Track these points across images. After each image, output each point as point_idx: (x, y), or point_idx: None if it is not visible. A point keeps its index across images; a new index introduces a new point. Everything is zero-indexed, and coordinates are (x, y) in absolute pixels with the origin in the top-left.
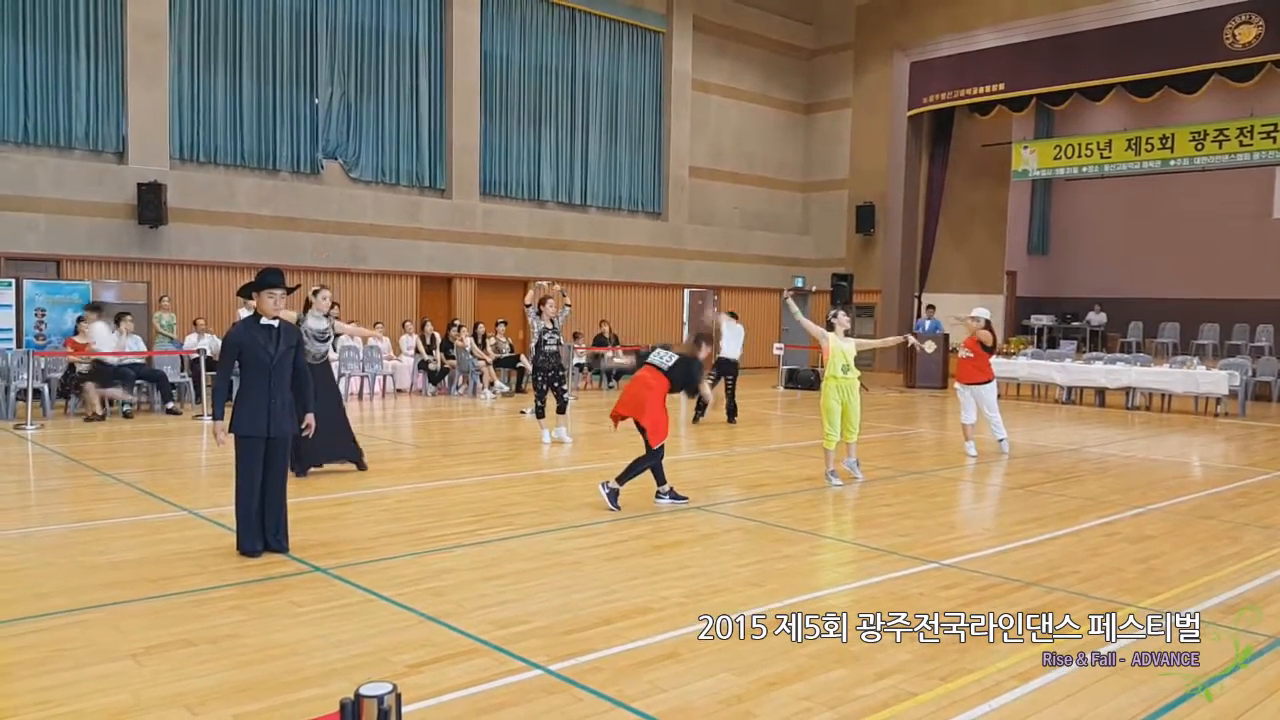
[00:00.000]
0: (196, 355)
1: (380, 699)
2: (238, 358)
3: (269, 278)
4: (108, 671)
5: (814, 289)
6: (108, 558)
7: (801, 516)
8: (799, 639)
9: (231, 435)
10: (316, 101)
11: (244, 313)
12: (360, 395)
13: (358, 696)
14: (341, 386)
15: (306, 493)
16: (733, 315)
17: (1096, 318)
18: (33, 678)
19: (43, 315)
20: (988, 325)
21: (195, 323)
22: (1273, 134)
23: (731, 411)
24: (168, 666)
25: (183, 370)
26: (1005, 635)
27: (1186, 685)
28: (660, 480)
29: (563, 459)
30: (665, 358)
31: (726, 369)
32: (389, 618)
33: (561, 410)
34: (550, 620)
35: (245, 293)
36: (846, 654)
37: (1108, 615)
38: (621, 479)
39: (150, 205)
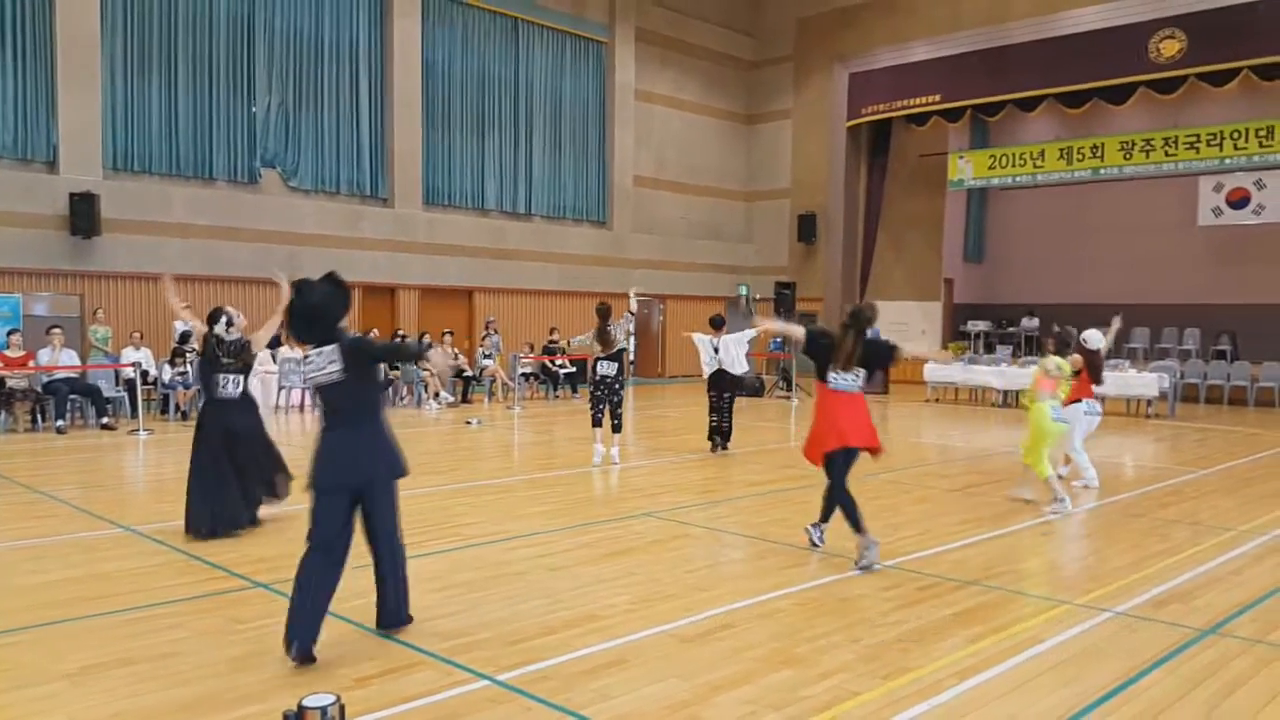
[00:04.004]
0: (132, 369)
1: (324, 710)
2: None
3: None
4: (41, 694)
5: (757, 296)
6: (41, 578)
7: (748, 521)
8: (745, 643)
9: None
10: (254, 109)
11: (180, 325)
12: (302, 407)
13: (301, 708)
14: (282, 399)
15: None
16: (714, 323)
17: (1030, 323)
18: None
19: None
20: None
21: (133, 336)
22: (1195, 145)
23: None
24: (105, 687)
25: (117, 385)
26: (945, 634)
27: (1117, 680)
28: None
29: (512, 470)
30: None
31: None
32: (333, 632)
33: (617, 430)
34: (497, 631)
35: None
36: (791, 656)
37: (1043, 612)
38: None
39: (83, 216)
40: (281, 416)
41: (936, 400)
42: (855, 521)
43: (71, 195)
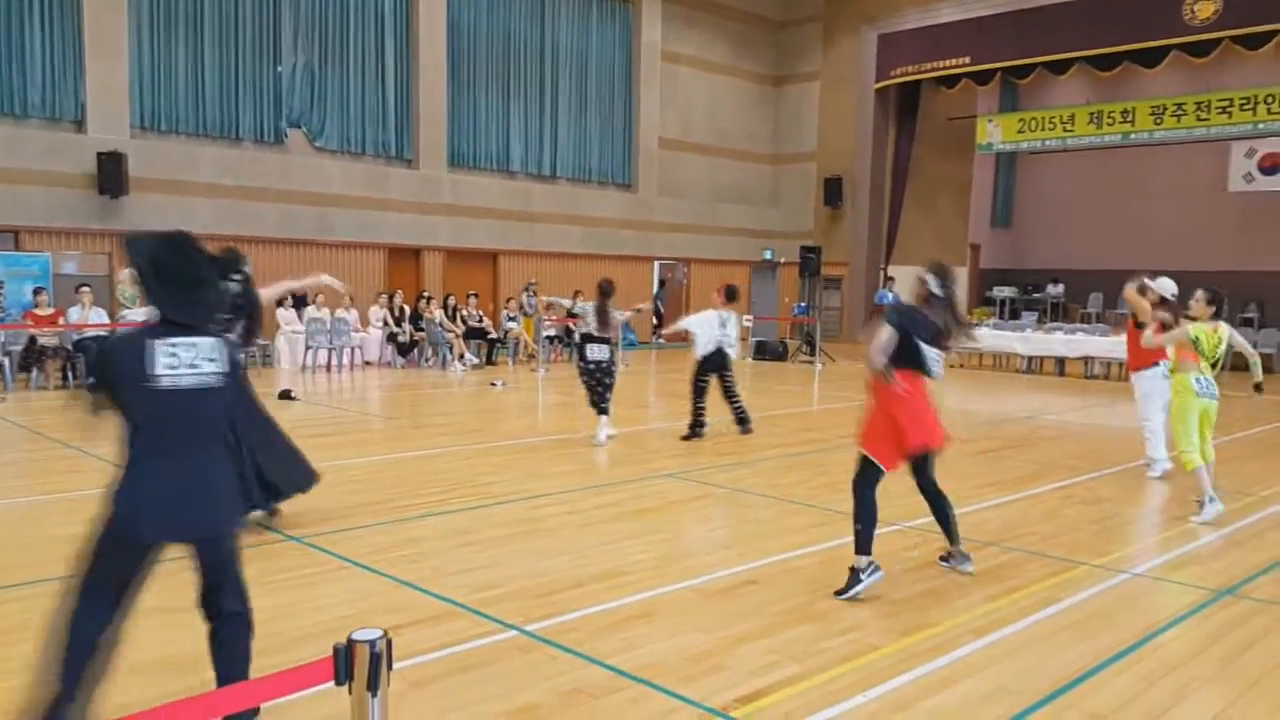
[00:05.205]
0: None
1: (372, 643)
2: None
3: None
4: None
5: (782, 260)
6: (77, 529)
7: (771, 483)
8: (767, 599)
9: None
10: (279, 69)
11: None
12: (328, 367)
13: (350, 641)
14: (309, 359)
15: None
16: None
17: (1055, 289)
18: (5, 646)
19: (1, 287)
20: (1164, 302)
21: None
22: (1228, 109)
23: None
24: (149, 632)
25: None
26: (963, 593)
27: (1133, 637)
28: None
29: (536, 430)
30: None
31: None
32: (366, 584)
33: (604, 412)
34: (524, 584)
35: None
36: (812, 611)
37: (1061, 573)
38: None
39: (111, 176)
40: (309, 377)
41: (960, 366)
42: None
43: (99, 155)
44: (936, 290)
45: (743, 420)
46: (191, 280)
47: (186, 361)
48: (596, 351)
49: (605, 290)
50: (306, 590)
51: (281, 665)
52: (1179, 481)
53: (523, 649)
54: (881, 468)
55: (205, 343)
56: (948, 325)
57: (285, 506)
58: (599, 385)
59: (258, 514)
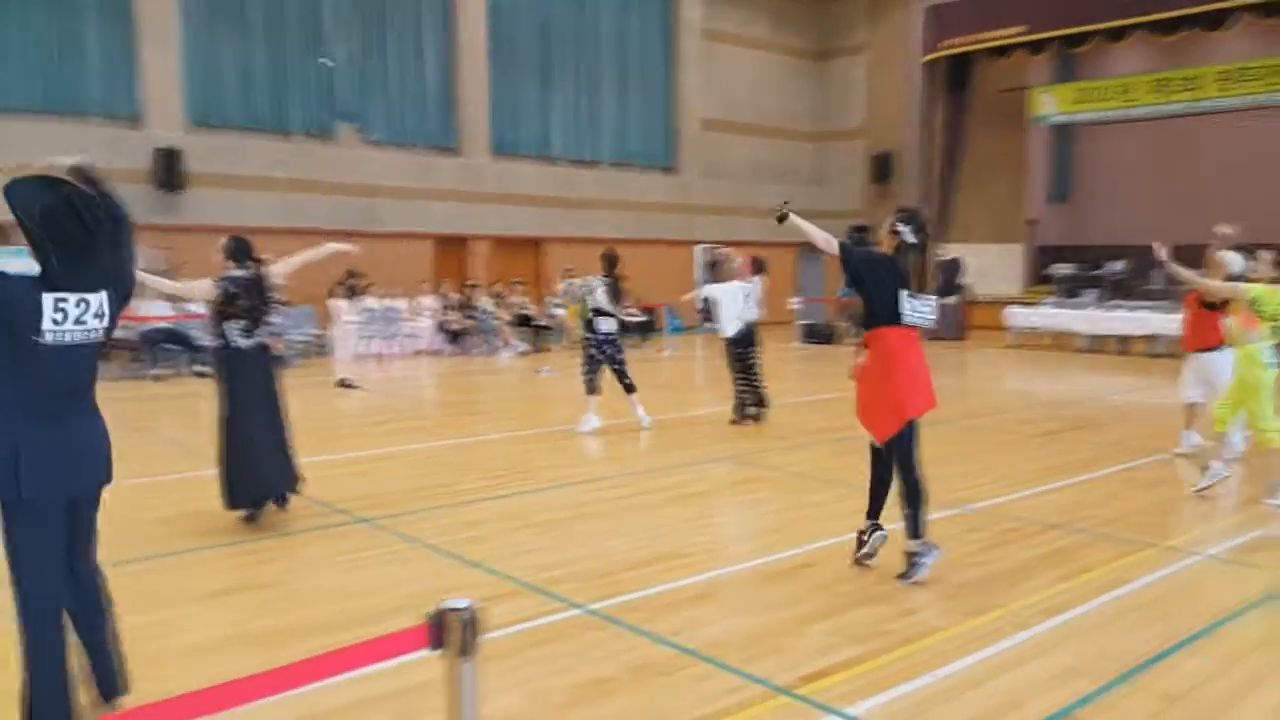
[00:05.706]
0: None
1: (462, 612)
2: None
3: None
4: (181, 614)
5: None
6: (153, 513)
7: (825, 466)
8: (826, 580)
9: None
10: (324, 62)
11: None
12: (380, 356)
13: (441, 611)
14: (363, 349)
15: (335, 450)
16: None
17: (1116, 266)
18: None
19: None
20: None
21: None
22: None
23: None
24: (234, 610)
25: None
26: (1029, 574)
27: (1207, 620)
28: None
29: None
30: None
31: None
32: (432, 564)
33: (633, 390)
34: (584, 565)
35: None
36: (874, 594)
37: (1130, 555)
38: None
39: (168, 171)
40: (364, 365)
41: (1020, 346)
42: (921, 518)
43: (157, 151)
44: (911, 238)
45: (760, 403)
46: (85, 244)
47: (74, 318)
48: (606, 325)
49: (611, 260)
50: (377, 570)
51: (361, 638)
52: (1250, 464)
53: (588, 627)
54: (908, 430)
55: (96, 298)
56: (918, 274)
57: (351, 491)
58: (613, 362)
59: (270, 504)
